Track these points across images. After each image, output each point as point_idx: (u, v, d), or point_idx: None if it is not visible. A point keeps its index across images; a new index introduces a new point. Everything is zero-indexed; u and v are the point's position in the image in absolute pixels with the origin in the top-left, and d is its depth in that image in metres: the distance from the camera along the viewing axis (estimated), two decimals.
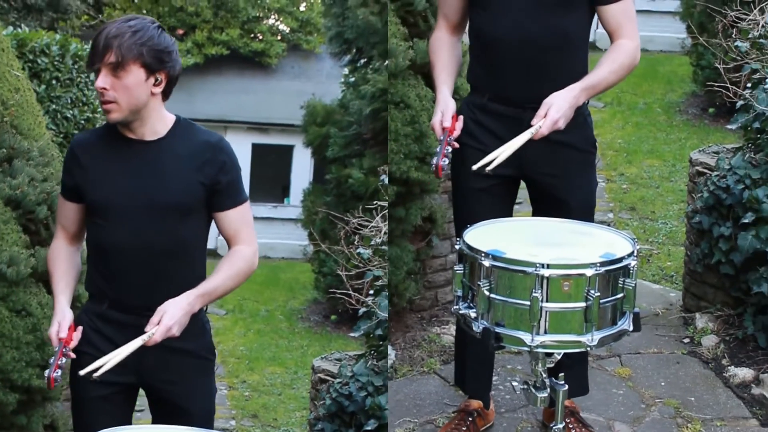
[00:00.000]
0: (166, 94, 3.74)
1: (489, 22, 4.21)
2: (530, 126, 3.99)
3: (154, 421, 3.91)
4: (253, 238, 3.92)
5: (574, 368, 4.50)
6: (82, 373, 3.48)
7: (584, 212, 4.36)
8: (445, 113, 4.12)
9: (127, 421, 3.84)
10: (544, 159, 4.25)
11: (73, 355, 3.56)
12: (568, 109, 4.00)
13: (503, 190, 4.43)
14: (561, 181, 4.32)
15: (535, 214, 4.47)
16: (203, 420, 3.85)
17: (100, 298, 3.75)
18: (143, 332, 3.54)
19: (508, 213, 4.43)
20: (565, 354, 3.47)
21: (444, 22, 4.43)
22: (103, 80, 3.59)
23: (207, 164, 3.72)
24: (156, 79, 3.66)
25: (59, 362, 3.49)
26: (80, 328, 3.63)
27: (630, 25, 4.25)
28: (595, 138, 4.49)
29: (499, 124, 4.25)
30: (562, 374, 3.56)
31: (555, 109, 3.96)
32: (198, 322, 3.77)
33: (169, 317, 3.54)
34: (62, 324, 3.58)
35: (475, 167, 3.86)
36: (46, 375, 3.47)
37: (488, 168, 3.83)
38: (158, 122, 3.72)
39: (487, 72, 4.28)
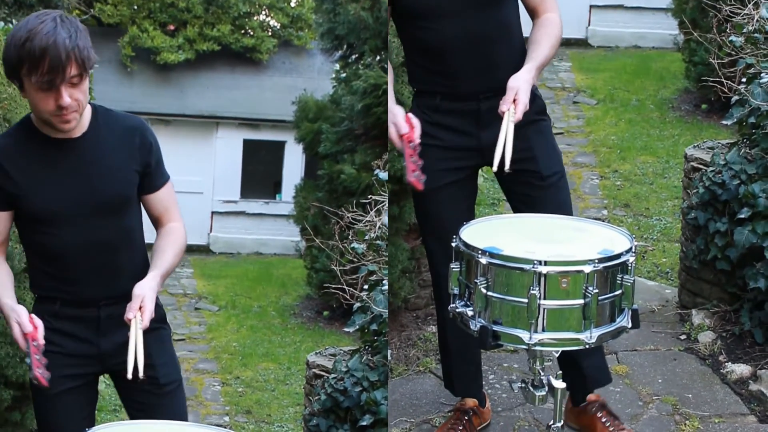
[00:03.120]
0: None
1: (431, 31, 4.22)
2: (490, 108, 4.10)
3: (126, 405, 3.90)
4: (180, 215, 3.91)
5: (592, 358, 4.48)
6: (129, 376, 3.40)
7: (557, 180, 4.37)
8: (396, 123, 4.12)
9: (93, 408, 3.85)
10: None
11: (43, 343, 3.45)
12: (530, 89, 4.03)
13: (463, 183, 4.44)
14: (525, 154, 4.23)
15: (512, 200, 4.46)
16: (173, 388, 3.86)
17: (50, 298, 3.69)
18: (99, 321, 3.60)
19: (471, 205, 4.48)
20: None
21: None
22: (69, 95, 3.44)
23: (137, 150, 3.70)
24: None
25: (37, 357, 3.40)
26: (37, 319, 3.50)
27: (550, 3, 4.30)
28: (544, 103, 4.47)
29: (454, 119, 4.30)
30: (561, 372, 3.54)
31: (523, 92, 3.97)
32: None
33: (149, 301, 3.53)
34: (21, 320, 3.46)
35: (494, 169, 3.81)
36: (32, 377, 3.40)
37: (506, 167, 3.78)
38: (83, 115, 3.63)
39: (436, 74, 4.28)
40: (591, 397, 4.62)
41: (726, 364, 5.41)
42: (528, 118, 4.12)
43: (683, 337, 5.84)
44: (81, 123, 3.62)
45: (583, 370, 4.45)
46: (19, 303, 3.55)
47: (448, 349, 4.70)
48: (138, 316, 3.49)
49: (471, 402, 4.75)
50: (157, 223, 3.85)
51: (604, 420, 4.59)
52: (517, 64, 4.12)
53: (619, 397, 5.15)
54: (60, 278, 3.66)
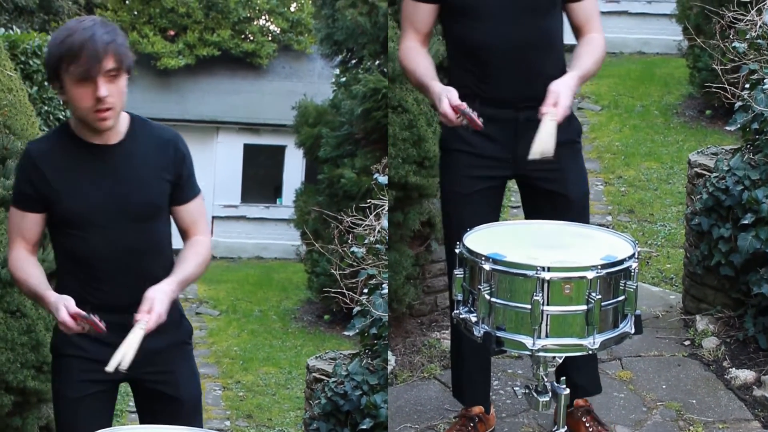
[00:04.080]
0: None
1: (475, 29, 4.22)
2: (527, 119, 4.08)
3: (142, 415, 3.91)
4: (208, 229, 3.98)
5: (585, 367, 4.52)
6: (109, 369, 3.35)
7: (582, 203, 4.42)
8: (449, 95, 4.02)
9: (112, 414, 3.85)
10: None
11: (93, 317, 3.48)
12: (572, 96, 4.03)
13: (493, 192, 4.45)
14: (557, 175, 4.32)
15: (530, 214, 4.47)
16: (192, 406, 3.90)
17: (79, 303, 3.63)
18: (128, 326, 3.51)
19: (496, 216, 4.45)
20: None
21: (413, 33, 4.38)
22: (106, 88, 3.51)
23: (170, 161, 3.76)
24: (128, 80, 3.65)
25: (90, 317, 3.44)
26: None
27: (597, 20, 4.36)
28: (580, 125, 4.53)
29: (490, 127, 4.24)
30: (564, 378, 3.52)
31: (564, 96, 3.95)
32: (175, 310, 3.80)
33: (159, 304, 3.53)
34: (67, 303, 3.47)
35: (531, 157, 3.80)
36: (101, 330, 3.44)
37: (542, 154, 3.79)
38: (121, 122, 3.69)
39: (476, 78, 4.26)
40: (578, 401, 4.64)
41: (730, 369, 5.40)
42: (566, 137, 4.15)
43: (687, 342, 5.82)
44: (118, 130, 3.68)
45: (574, 379, 4.46)
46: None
47: (462, 358, 4.67)
48: (144, 319, 3.49)
49: (477, 409, 4.73)
50: (184, 234, 3.88)
51: (588, 425, 4.62)
52: (556, 77, 4.09)
53: (623, 403, 5.13)
54: (88, 282, 3.67)
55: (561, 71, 4.19)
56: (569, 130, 4.28)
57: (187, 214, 3.84)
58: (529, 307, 3.25)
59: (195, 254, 3.80)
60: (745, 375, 5.30)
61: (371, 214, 5.59)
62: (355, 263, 5.41)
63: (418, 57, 4.33)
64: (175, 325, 3.83)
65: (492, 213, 4.39)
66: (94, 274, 3.68)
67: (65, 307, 3.47)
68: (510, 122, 4.26)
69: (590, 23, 4.31)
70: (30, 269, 3.70)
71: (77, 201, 3.63)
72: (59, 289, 3.71)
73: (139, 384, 3.84)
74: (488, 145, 4.29)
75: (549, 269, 3.25)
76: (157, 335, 3.61)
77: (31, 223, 3.71)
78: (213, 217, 21.28)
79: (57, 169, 3.65)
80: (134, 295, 3.62)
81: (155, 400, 3.85)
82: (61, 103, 10.92)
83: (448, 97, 4.00)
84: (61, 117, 11.04)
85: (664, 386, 5.32)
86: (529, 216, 4.45)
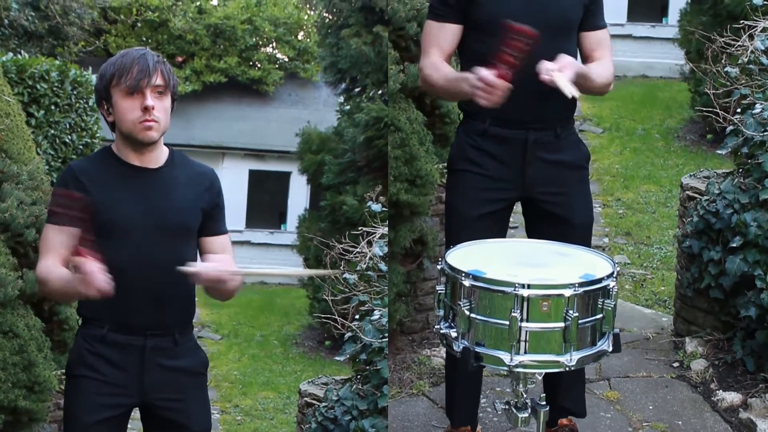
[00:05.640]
0: None
1: (494, 48, 4.13)
2: (536, 140, 4.28)
3: None
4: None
5: (573, 389, 4.56)
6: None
7: (586, 229, 4.47)
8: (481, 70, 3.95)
9: None
10: (546, 178, 4.35)
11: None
12: (574, 73, 4.04)
13: (501, 215, 4.48)
14: (563, 199, 4.39)
15: (532, 235, 4.48)
16: None
17: (99, 321, 3.75)
18: (144, 351, 3.70)
19: (503, 237, 4.46)
20: (565, 375, 3.46)
21: (437, 51, 4.39)
22: (152, 100, 3.68)
23: (206, 191, 3.89)
24: (172, 108, 3.81)
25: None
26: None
27: (608, 50, 4.41)
28: (589, 152, 4.56)
29: (500, 148, 4.30)
30: (544, 395, 3.55)
31: (571, 61, 4.05)
32: (192, 338, 3.90)
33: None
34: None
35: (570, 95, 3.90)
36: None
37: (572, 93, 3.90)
38: (161, 151, 3.84)
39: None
40: (563, 421, 4.67)
41: (717, 391, 5.42)
42: (574, 161, 4.27)
43: (676, 364, 5.84)
44: (158, 157, 3.82)
45: (561, 400, 4.51)
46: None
47: (455, 379, 4.71)
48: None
49: (464, 428, 4.76)
50: None
51: None
52: (567, 103, 4.15)
53: (610, 423, 5.15)
54: (112, 300, 3.65)
55: (572, 99, 4.21)
56: (577, 155, 4.35)
57: (217, 246, 3.93)
58: (507, 323, 3.28)
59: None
60: (732, 397, 5.32)
61: (363, 240, 5.62)
62: (347, 289, 5.44)
63: (444, 66, 4.33)
64: (191, 352, 3.88)
65: (498, 234, 4.37)
66: (119, 291, 3.63)
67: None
68: (519, 143, 4.30)
69: (598, 51, 4.37)
70: (58, 270, 3.69)
71: (115, 212, 3.71)
72: (82, 304, 3.81)
73: (150, 411, 3.86)
74: (497, 166, 4.32)
75: (528, 286, 3.28)
76: (173, 358, 3.74)
77: (66, 237, 3.69)
78: None
79: (98, 183, 3.74)
80: (154, 317, 3.73)
81: (165, 427, 3.87)
82: (68, 126, 11.00)
83: (479, 71, 3.93)
84: (67, 141, 11.11)
85: (650, 407, 5.34)
86: (533, 237, 4.44)
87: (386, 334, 4.98)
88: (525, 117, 4.28)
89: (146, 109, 3.67)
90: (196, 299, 3.95)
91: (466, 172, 4.36)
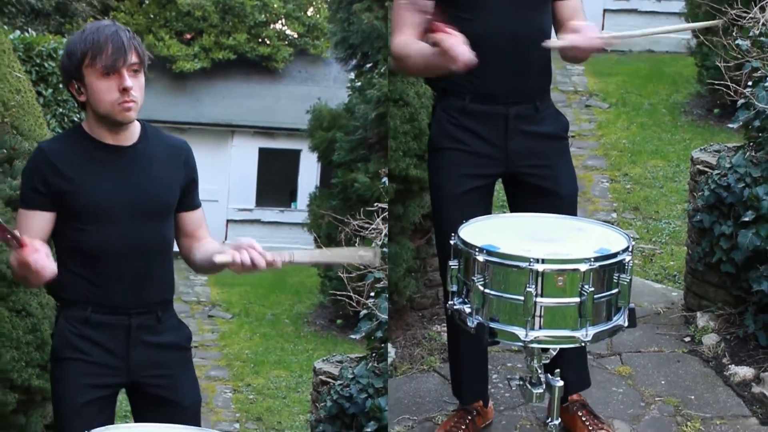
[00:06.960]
0: None
1: (472, 23, 4.18)
2: (517, 114, 4.31)
3: (140, 420, 3.91)
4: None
5: (574, 362, 4.55)
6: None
7: (572, 201, 4.47)
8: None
9: (112, 421, 3.86)
10: (529, 151, 4.36)
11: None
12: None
13: (486, 190, 4.48)
14: (547, 172, 4.40)
15: (518, 211, 4.43)
16: (193, 411, 3.93)
17: (82, 303, 3.73)
18: (130, 330, 3.70)
19: (488, 213, 4.44)
20: (563, 350, 3.46)
21: (411, 30, 4.27)
22: (130, 80, 3.62)
23: (182, 166, 3.88)
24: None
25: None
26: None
27: (582, 17, 4.40)
28: (568, 121, 4.57)
29: (480, 125, 4.31)
30: (558, 370, 3.55)
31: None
32: (174, 315, 3.92)
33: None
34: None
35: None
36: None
37: None
38: (135, 127, 3.80)
39: (469, 73, 4.09)
40: (573, 396, 4.68)
41: (729, 366, 5.42)
42: (554, 131, 4.29)
43: (687, 339, 5.84)
44: (131, 133, 3.77)
45: (564, 374, 4.50)
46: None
47: (459, 358, 4.71)
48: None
49: (475, 403, 4.77)
50: (187, 239, 3.95)
51: (584, 419, 4.67)
52: (545, 75, 4.23)
53: (622, 398, 5.16)
54: (94, 281, 3.71)
55: (548, 68, 4.30)
56: (557, 125, 4.37)
57: (193, 220, 3.94)
58: (522, 298, 3.27)
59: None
60: (744, 372, 5.32)
61: (378, 217, 5.62)
62: (361, 266, 5.44)
63: (416, 43, 4.21)
64: (175, 328, 3.90)
65: (484, 210, 4.40)
66: (101, 271, 3.71)
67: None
68: (500, 118, 4.31)
69: (578, 17, 4.36)
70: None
71: (93, 195, 3.67)
72: (61, 287, 3.76)
73: (138, 389, 3.86)
74: (478, 143, 4.33)
75: (543, 261, 3.27)
76: (157, 335, 3.75)
77: (42, 222, 3.70)
78: (227, 221, 21.33)
79: (72, 164, 3.69)
80: (137, 296, 3.73)
81: (154, 404, 3.86)
82: (76, 105, 11.00)
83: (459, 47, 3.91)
84: (75, 119, 11.10)
85: (663, 382, 5.35)
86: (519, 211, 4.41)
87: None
88: (505, 92, 4.29)
89: (125, 90, 3.61)
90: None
91: (448, 149, 4.36)
